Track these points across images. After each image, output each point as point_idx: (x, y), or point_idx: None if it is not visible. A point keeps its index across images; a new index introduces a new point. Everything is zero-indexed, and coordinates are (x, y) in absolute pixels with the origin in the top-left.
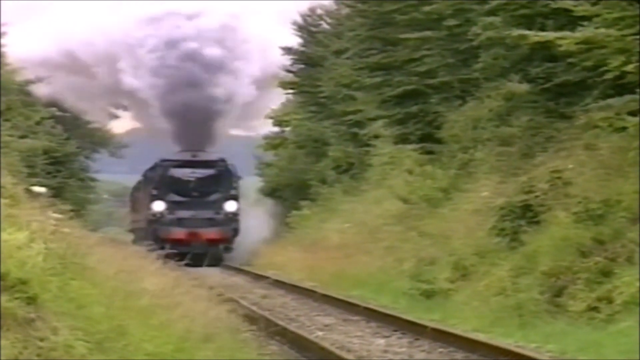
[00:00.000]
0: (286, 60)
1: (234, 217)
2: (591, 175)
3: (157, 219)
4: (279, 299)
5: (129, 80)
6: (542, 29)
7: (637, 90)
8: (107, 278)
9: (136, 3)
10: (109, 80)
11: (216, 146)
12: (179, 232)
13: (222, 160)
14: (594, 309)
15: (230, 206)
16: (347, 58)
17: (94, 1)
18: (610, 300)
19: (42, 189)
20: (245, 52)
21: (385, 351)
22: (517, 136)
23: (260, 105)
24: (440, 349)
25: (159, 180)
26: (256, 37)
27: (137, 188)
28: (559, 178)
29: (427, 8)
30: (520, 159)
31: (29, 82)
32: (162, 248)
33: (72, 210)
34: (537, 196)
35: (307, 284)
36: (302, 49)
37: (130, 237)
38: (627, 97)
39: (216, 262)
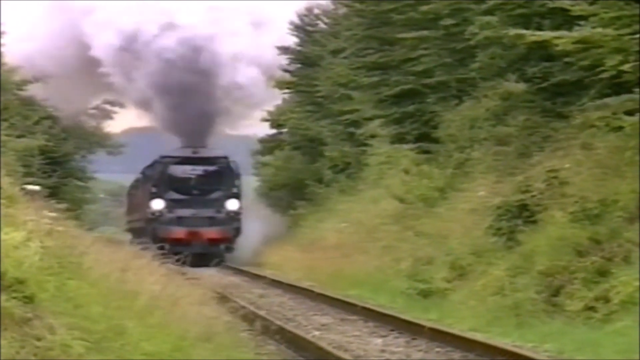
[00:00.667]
0: (283, 59)
1: (235, 216)
2: (588, 174)
3: (156, 217)
4: (276, 299)
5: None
6: (539, 29)
7: (635, 89)
8: (105, 277)
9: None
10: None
11: (214, 144)
12: (179, 232)
13: (224, 157)
14: (591, 308)
15: (232, 204)
16: (344, 57)
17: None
18: (607, 300)
19: (36, 187)
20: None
21: (383, 351)
22: (513, 136)
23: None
24: (438, 349)
25: (158, 177)
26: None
27: (135, 186)
28: (555, 177)
29: (424, 8)
30: (517, 159)
31: (26, 81)
32: (162, 248)
33: (68, 210)
34: (533, 196)
35: (305, 284)
36: (299, 48)
37: (128, 236)
38: (624, 96)
39: (217, 262)
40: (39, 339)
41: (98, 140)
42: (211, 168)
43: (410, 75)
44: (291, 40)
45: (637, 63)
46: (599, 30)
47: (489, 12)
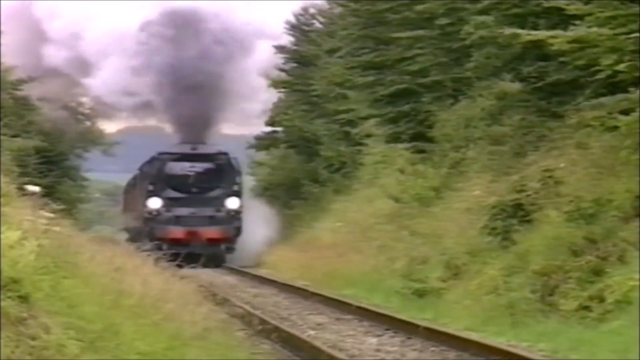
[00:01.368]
0: (279, 59)
1: (236, 214)
2: (583, 174)
3: (153, 217)
4: (272, 298)
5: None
6: (535, 28)
7: (630, 89)
8: (99, 277)
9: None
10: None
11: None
12: (177, 231)
13: (224, 153)
14: (586, 308)
15: (232, 203)
16: (340, 57)
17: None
18: (602, 299)
19: (37, 188)
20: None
21: (378, 350)
22: (508, 135)
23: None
24: (433, 348)
25: (155, 175)
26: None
27: (132, 184)
28: (550, 177)
29: (419, 7)
30: (512, 158)
31: (21, 81)
32: (159, 248)
33: (63, 210)
34: (528, 195)
35: (300, 283)
36: (295, 47)
37: (124, 236)
38: (619, 96)
39: (217, 263)
40: (34, 339)
41: (93, 139)
42: (211, 165)
43: (405, 74)
44: (287, 40)
45: (633, 63)
46: (594, 29)
47: (484, 11)
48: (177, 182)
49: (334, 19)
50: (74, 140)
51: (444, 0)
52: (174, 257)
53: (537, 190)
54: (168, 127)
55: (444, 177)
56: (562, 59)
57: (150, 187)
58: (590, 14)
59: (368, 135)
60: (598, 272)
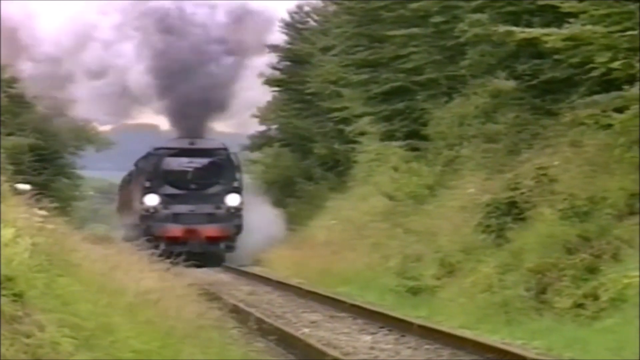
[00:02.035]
0: (273, 57)
1: (236, 212)
2: (577, 172)
3: (150, 214)
4: (266, 296)
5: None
6: (529, 26)
7: (624, 87)
8: (94, 275)
9: None
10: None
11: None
12: (175, 229)
13: (224, 148)
14: (580, 305)
15: (232, 200)
16: (334, 55)
17: None
18: (596, 297)
19: (26, 187)
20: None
21: (372, 348)
22: (502, 133)
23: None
24: (427, 346)
25: (152, 170)
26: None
27: (127, 180)
28: (544, 175)
29: (413, 5)
30: (506, 156)
31: (15, 79)
32: (157, 247)
33: (58, 207)
34: (522, 193)
35: (294, 281)
36: (289, 46)
37: (119, 234)
38: (613, 93)
39: (217, 262)
40: (28, 337)
41: (87, 137)
42: (210, 160)
43: (399, 72)
44: (281, 38)
45: (627, 60)
46: (589, 27)
47: (478, 9)
48: (175, 178)
49: (328, 17)
50: (68, 138)
51: None
52: (171, 255)
53: (531, 188)
54: (163, 125)
55: (438, 175)
56: (556, 56)
57: (147, 184)
58: (584, 12)
59: (362, 133)
60: (592, 270)
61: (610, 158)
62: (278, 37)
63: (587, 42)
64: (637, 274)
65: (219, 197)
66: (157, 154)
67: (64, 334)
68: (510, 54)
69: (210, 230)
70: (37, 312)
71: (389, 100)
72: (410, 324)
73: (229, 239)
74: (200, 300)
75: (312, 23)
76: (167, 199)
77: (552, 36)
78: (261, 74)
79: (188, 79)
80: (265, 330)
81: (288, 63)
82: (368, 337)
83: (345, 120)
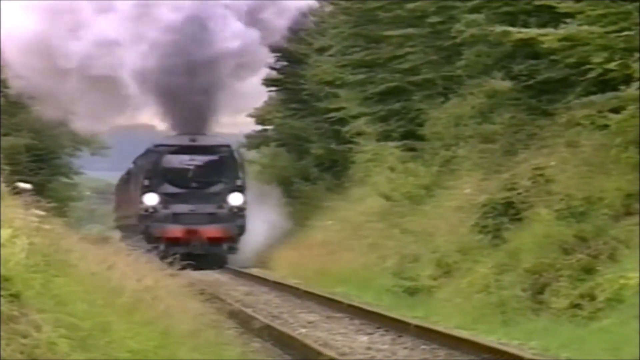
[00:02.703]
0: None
1: (239, 212)
2: (573, 172)
3: (149, 214)
4: (263, 296)
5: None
6: (525, 26)
7: (620, 87)
8: (90, 275)
9: None
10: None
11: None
12: (175, 230)
13: (226, 145)
14: (577, 306)
15: (235, 199)
16: (330, 55)
17: None
18: (592, 298)
19: (27, 185)
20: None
21: (369, 348)
22: (499, 133)
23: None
24: (424, 346)
25: (151, 168)
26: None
27: (125, 179)
28: (541, 175)
29: (410, 5)
30: (503, 156)
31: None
32: (156, 248)
33: (54, 208)
34: (519, 193)
35: (291, 281)
36: (285, 46)
37: (116, 234)
38: (610, 94)
39: (219, 264)
40: (25, 337)
41: (83, 140)
42: (212, 158)
43: (396, 72)
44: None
45: (623, 61)
46: (585, 27)
47: (475, 9)
48: (175, 177)
49: (324, 18)
50: (65, 139)
51: None
52: (168, 256)
53: (527, 189)
54: (159, 125)
55: (435, 175)
56: (552, 57)
57: (146, 182)
58: (581, 12)
59: (359, 134)
60: (589, 270)
61: (606, 158)
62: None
63: (584, 42)
64: (634, 274)
65: (221, 196)
66: (156, 151)
67: (60, 334)
68: (506, 54)
69: (212, 230)
70: (33, 312)
71: (386, 101)
72: (407, 324)
73: (232, 240)
74: (197, 300)
75: (309, 23)
76: (167, 198)
77: (548, 36)
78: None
79: (190, 73)
80: (261, 330)
81: (284, 63)
82: (365, 338)
83: (342, 121)
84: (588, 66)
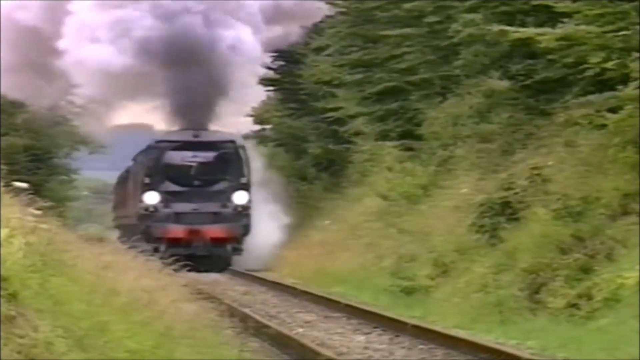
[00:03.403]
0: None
1: (244, 211)
2: (571, 172)
3: (150, 213)
4: (260, 296)
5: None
6: (523, 26)
7: (618, 87)
8: (88, 275)
9: None
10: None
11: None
12: (177, 230)
13: (231, 140)
14: (574, 305)
15: (239, 198)
16: (328, 55)
17: None
18: (589, 297)
19: (24, 184)
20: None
21: (366, 348)
22: (496, 133)
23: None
24: (421, 346)
25: (152, 165)
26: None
27: (124, 177)
28: (538, 175)
29: (407, 5)
30: (500, 156)
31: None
32: (156, 249)
33: (51, 207)
34: (516, 193)
35: (288, 281)
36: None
37: (114, 234)
38: (607, 94)
39: (222, 266)
40: (22, 337)
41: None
42: (215, 154)
43: (393, 72)
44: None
45: (620, 60)
46: (583, 27)
47: (472, 9)
48: (177, 174)
49: (322, 17)
50: (62, 139)
51: None
52: (169, 258)
53: (525, 188)
54: (158, 124)
55: (432, 175)
56: (550, 56)
57: (147, 180)
58: (578, 12)
59: (356, 133)
60: (586, 270)
61: (604, 158)
62: None
63: (581, 42)
64: (631, 274)
65: (225, 195)
66: (158, 147)
67: (57, 334)
68: (504, 54)
69: (215, 230)
70: (30, 312)
71: (383, 101)
72: (404, 324)
73: (236, 241)
74: (194, 300)
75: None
76: (168, 197)
77: (545, 36)
78: (254, 73)
79: (192, 66)
80: (259, 330)
81: (282, 63)
82: (362, 337)
83: (340, 121)
84: (585, 66)
